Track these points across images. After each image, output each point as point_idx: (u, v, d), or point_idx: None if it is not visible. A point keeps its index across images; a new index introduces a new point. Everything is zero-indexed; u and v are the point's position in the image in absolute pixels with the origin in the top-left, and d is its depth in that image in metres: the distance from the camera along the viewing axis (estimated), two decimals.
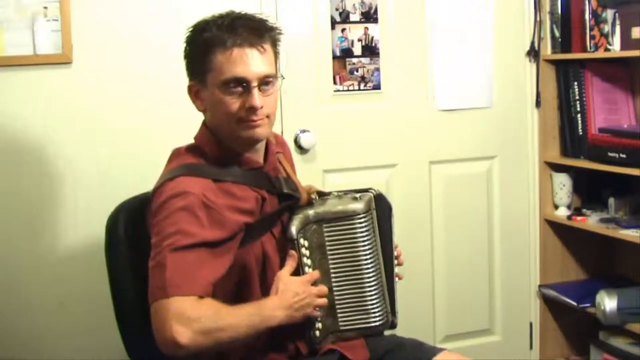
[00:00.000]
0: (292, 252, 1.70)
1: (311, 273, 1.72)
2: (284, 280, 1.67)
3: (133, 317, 1.80)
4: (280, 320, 1.62)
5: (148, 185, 1.83)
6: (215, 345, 1.57)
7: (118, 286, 1.82)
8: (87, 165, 2.44)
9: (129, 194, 1.98)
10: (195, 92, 1.74)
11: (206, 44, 1.67)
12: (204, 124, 1.78)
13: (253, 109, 1.65)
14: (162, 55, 2.47)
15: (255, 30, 1.68)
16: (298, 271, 1.71)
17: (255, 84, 1.65)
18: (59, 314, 2.44)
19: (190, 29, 1.73)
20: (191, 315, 1.52)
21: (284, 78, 1.77)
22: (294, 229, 1.69)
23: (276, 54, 1.74)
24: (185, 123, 2.01)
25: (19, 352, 2.39)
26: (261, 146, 1.77)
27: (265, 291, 1.71)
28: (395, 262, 1.88)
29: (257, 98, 1.65)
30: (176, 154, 1.77)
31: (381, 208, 1.83)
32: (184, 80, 2.46)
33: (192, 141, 1.80)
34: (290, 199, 1.79)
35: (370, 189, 1.84)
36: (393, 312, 1.83)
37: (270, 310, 1.61)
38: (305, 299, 1.66)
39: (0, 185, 2.38)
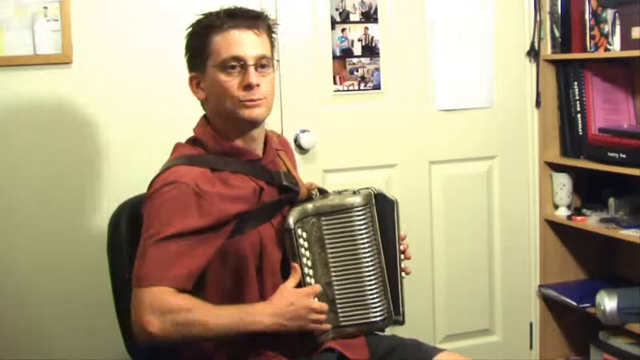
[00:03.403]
0: (296, 265, 1.73)
1: (313, 286, 1.74)
2: (282, 290, 1.70)
3: None
4: (267, 327, 1.64)
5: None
6: (186, 339, 1.61)
7: (119, 285, 1.81)
8: (87, 165, 2.44)
9: (129, 194, 1.98)
10: (196, 84, 1.81)
11: (205, 30, 1.76)
12: (204, 117, 1.84)
13: (250, 86, 1.72)
14: (162, 55, 2.48)
15: (251, 16, 1.78)
16: (296, 262, 1.73)
17: (251, 62, 1.73)
18: (59, 313, 2.44)
19: (190, 25, 1.81)
20: (163, 307, 1.57)
21: (279, 61, 1.85)
22: (291, 220, 1.73)
23: (272, 42, 1.82)
24: (186, 123, 2.02)
25: (19, 352, 2.39)
26: (259, 136, 1.82)
27: (262, 285, 1.73)
28: (402, 256, 1.89)
29: (253, 75, 1.72)
30: (177, 147, 1.82)
31: (382, 205, 1.84)
32: (184, 80, 2.48)
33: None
34: (289, 191, 1.81)
35: (370, 187, 1.86)
36: (398, 310, 1.83)
37: (256, 316, 1.64)
38: (299, 310, 1.68)
39: None
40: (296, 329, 1.69)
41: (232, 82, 1.72)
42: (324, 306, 1.73)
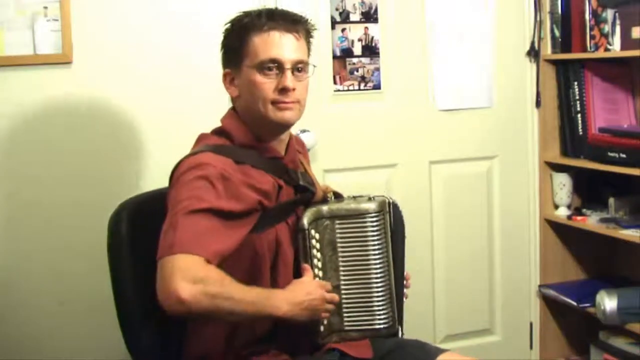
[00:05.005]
0: (306, 265, 1.74)
1: (326, 282, 1.75)
2: (299, 281, 1.70)
3: (135, 317, 1.79)
4: (284, 313, 1.63)
5: (149, 184, 1.84)
6: (214, 311, 1.56)
7: (120, 286, 1.81)
8: (87, 165, 2.44)
9: (130, 193, 1.98)
10: (230, 80, 1.81)
11: (244, 29, 1.76)
12: (232, 109, 1.84)
13: (285, 90, 1.73)
14: (162, 55, 2.48)
15: (291, 19, 1.78)
16: (307, 263, 1.74)
17: (289, 66, 1.74)
18: (59, 314, 2.44)
19: (229, 22, 1.81)
20: (197, 274, 1.53)
21: (315, 66, 1.83)
22: (305, 220, 1.74)
23: (309, 46, 1.82)
24: (186, 123, 2.04)
25: (18, 352, 2.39)
26: (285, 137, 1.84)
27: (275, 284, 1.73)
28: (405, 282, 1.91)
29: (290, 79, 1.73)
30: (202, 137, 1.82)
31: (396, 215, 1.85)
32: (184, 80, 2.49)
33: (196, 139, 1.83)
34: (306, 191, 1.82)
35: (384, 196, 1.86)
36: (400, 321, 1.84)
37: (277, 300, 1.63)
38: (315, 300, 1.68)
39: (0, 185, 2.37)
40: (307, 318, 1.68)
41: (268, 84, 1.73)
42: (335, 297, 1.74)
